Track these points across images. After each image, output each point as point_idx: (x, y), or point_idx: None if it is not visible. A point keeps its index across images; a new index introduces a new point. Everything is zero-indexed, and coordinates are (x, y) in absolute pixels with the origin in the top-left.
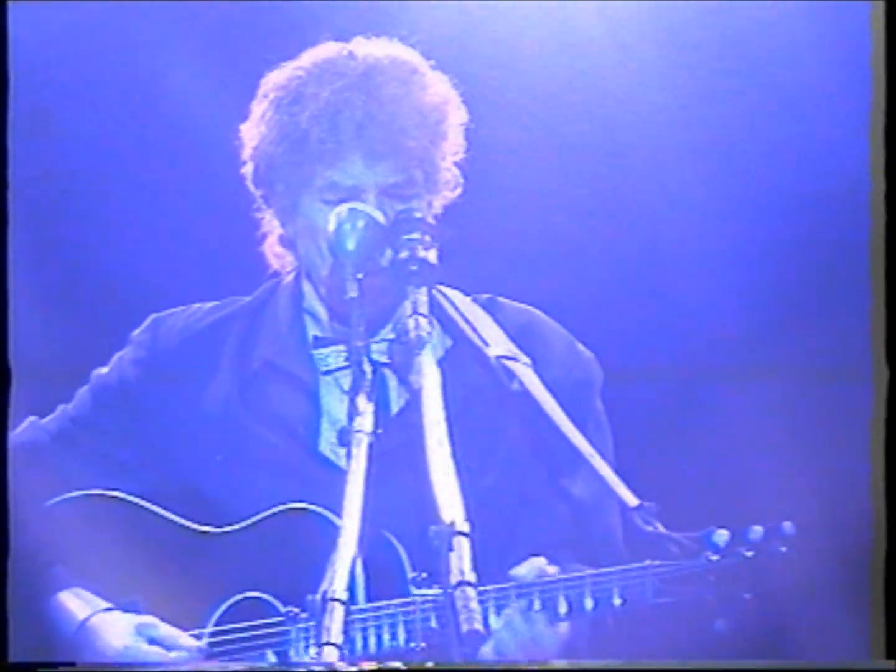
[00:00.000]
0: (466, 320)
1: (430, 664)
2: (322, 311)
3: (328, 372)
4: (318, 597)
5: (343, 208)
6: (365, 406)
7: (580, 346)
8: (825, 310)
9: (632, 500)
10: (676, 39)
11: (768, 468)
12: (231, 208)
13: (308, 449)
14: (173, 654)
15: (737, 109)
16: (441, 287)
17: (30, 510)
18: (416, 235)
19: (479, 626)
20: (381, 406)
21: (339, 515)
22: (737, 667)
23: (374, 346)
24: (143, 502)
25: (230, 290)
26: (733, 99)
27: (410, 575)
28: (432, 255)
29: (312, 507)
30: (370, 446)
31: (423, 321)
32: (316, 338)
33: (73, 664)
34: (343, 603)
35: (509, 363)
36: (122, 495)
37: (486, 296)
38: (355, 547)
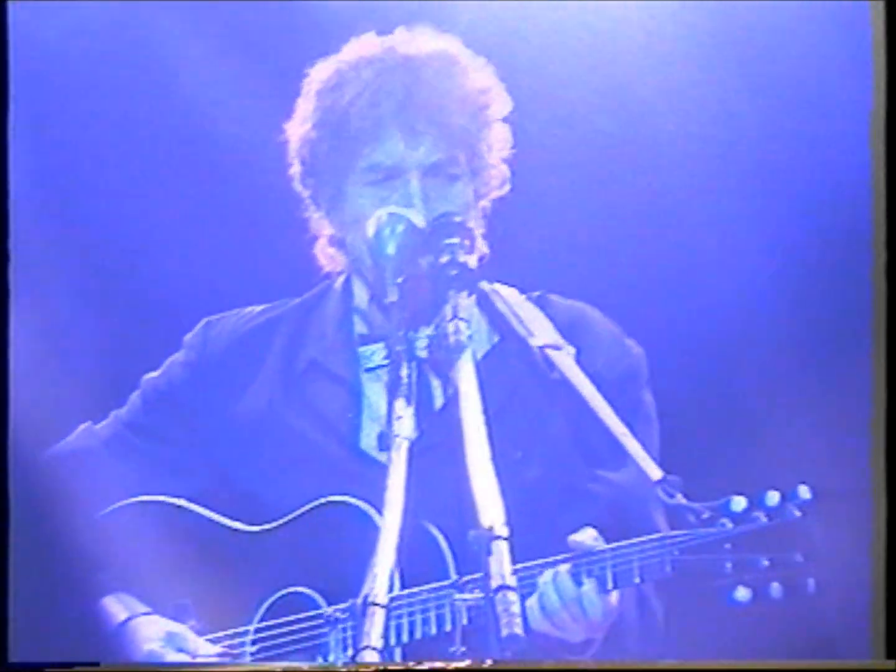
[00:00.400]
0: (516, 315)
1: (429, 664)
2: (370, 308)
3: (371, 369)
4: (360, 601)
5: (383, 212)
6: (404, 410)
7: (629, 341)
8: (826, 309)
9: (656, 473)
10: (676, 39)
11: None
12: (281, 211)
13: (349, 446)
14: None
15: (736, 109)
16: (495, 285)
17: (80, 517)
18: (455, 240)
19: (518, 629)
20: (423, 402)
21: (379, 510)
22: (737, 667)
23: (417, 343)
24: (191, 505)
25: (284, 292)
26: (733, 99)
27: (452, 578)
28: (472, 260)
29: (352, 500)
30: (409, 450)
31: (462, 325)
32: (361, 335)
33: (73, 664)
34: (384, 607)
35: (551, 352)
36: (171, 500)
37: (537, 293)
38: (395, 551)
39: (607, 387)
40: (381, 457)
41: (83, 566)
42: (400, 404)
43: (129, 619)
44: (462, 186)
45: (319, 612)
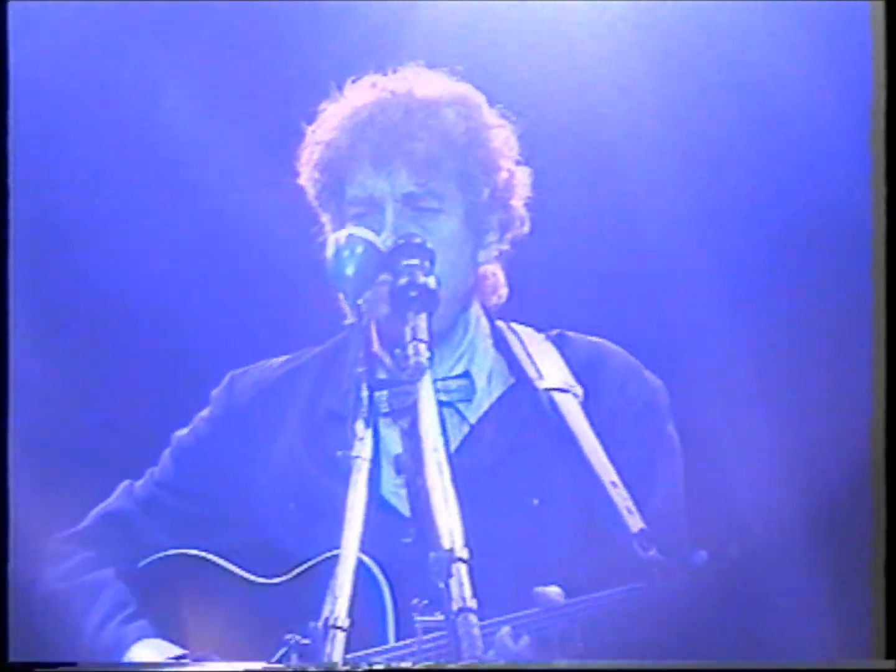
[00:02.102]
0: (529, 356)
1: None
2: (384, 354)
3: (387, 414)
4: (321, 624)
5: (342, 234)
6: (363, 431)
7: (647, 374)
8: (826, 309)
9: (636, 525)
10: (675, 39)
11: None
12: (306, 258)
13: (370, 495)
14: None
15: (736, 110)
16: (513, 324)
17: (111, 572)
18: (415, 261)
19: (479, 652)
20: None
21: (387, 562)
22: (737, 667)
23: (438, 385)
24: (216, 559)
25: (311, 341)
26: (732, 99)
27: (413, 601)
28: (432, 281)
29: (363, 556)
30: (370, 471)
31: (422, 347)
32: (380, 380)
33: (73, 664)
34: (345, 630)
35: (556, 395)
36: (199, 553)
37: (555, 331)
38: (354, 573)
39: (627, 421)
40: (401, 505)
41: (118, 616)
42: (359, 426)
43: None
44: (446, 219)
45: None
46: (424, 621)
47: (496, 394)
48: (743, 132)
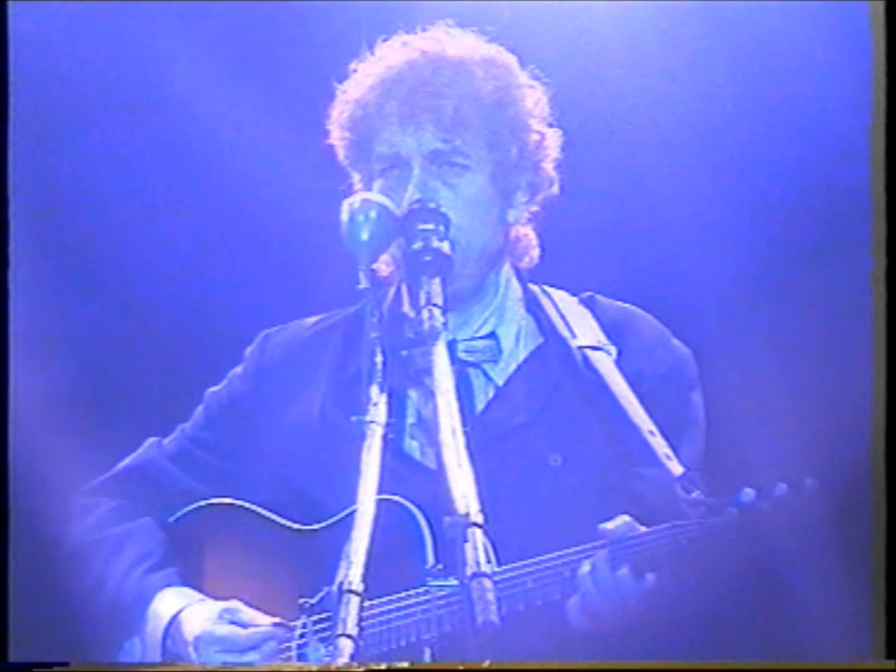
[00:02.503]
0: (563, 317)
1: (429, 664)
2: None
3: (408, 375)
4: (335, 588)
5: (356, 198)
6: (378, 396)
7: (676, 342)
8: (826, 310)
9: (677, 469)
10: (675, 39)
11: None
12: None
13: (393, 450)
14: (247, 632)
15: (736, 110)
16: (547, 287)
17: (140, 524)
18: (430, 226)
19: (494, 617)
20: (466, 404)
21: (424, 511)
22: (737, 667)
23: (461, 346)
24: (252, 507)
25: (343, 302)
26: (732, 99)
27: (428, 565)
28: (446, 246)
29: (395, 498)
30: (384, 436)
31: (436, 311)
32: (409, 339)
33: (74, 664)
34: (359, 594)
35: (590, 353)
36: (232, 502)
37: (587, 294)
38: (369, 537)
39: (651, 387)
40: (427, 460)
41: (147, 562)
42: (374, 390)
43: (185, 607)
44: (473, 177)
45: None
46: (439, 585)
47: (524, 354)
48: (741, 132)
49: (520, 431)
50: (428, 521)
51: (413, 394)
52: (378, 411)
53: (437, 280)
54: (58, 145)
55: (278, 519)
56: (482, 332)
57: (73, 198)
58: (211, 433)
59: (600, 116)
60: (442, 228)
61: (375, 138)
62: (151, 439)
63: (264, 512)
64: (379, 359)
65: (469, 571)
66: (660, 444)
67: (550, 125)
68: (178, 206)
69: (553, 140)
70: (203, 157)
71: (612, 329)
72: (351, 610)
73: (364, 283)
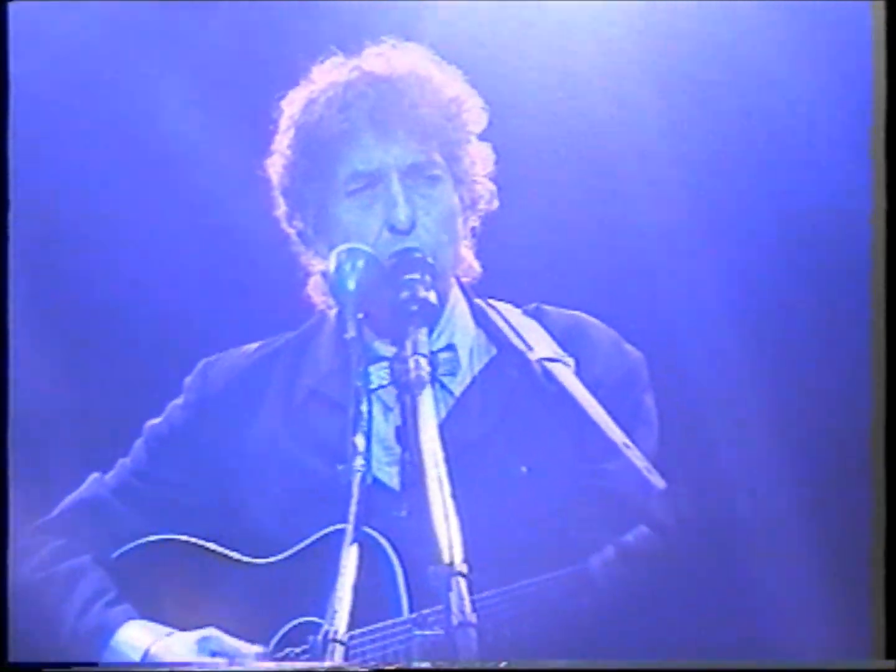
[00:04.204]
0: (513, 328)
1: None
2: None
3: (373, 390)
4: (320, 637)
5: (343, 248)
6: (363, 445)
7: (627, 346)
8: (825, 311)
9: (660, 483)
10: (670, 39)
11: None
12: (273, 248)
13: (375, 493)
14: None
15: (735, 110)
16: (491, 300)
17: (87, 559)
18: (416, 275)
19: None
20: (386, 437)
21: (388, 537)
22: (737, 667)
23: (377, 379)
24: (201, 542)
25: (280, 328)
26: (731, 99)
27: (414, 614)
28: (432, 296)
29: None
30: (363, 484)
31: (423, 361)
32: (392, 388)
33: (73, 664)
34: (344, 644)
35: (550, 365)
36: (180, 538)
37: (533, 305)
38: (352, 588)
39: (607, 392)
40: (392, 481)
41: (98, 602)
42: (359, 440)
43: (154, 641)
44: (444, 188)
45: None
46: (424, 635)
47: (478, 367)
48: (741, 132)
49: (482, 443)
50: (402, 565)
51: (397, 440)
52: (363, 460)
53: (423, 330)
54: (58, 145)
55: (229, 553)
56: (440, 345)
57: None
58: (152, 465)
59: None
60: (428, 278)
61: (338, 159)
62: (94, 475)
63: (214, 546)
64: (365, 408)
65: (455, 621)
66: (637, 458)
67: (481, 138)
68: (122, 231)
69: (490, 153)
70: (153, 177)
71: (565, 337)
72: (336, 660)
73: (351, 333)
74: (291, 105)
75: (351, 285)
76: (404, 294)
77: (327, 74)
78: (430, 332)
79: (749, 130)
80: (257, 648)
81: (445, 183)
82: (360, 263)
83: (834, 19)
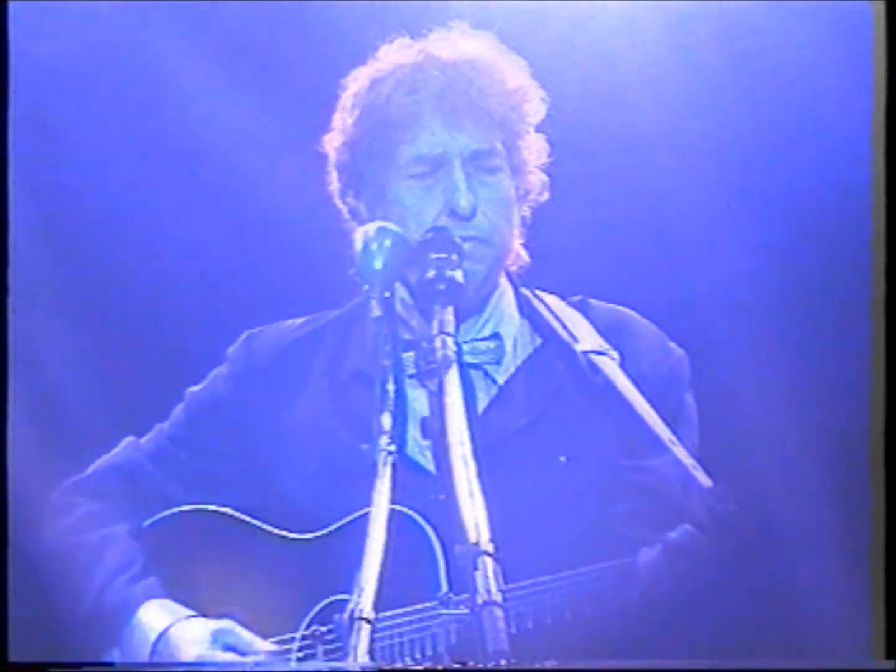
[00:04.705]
0: (558, 319)
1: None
2: (411, 314)
3: (413, 375)
4: (346, 615)
5: (371, 227)
6: (389, 424)
7: (671, 344)
8: (825, 311)
9: (706, 481)
10: (674, 40)
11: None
12: (323, 224)
13: (404, 472)
14: (248, 659)
15: (735, 110)
16: (537, 291)
17: (118, 529)
18: (443, 255)
19: (504, 645)
20: (469, 405)
21: (426, 517)
22: (737, 667)
23: (405, 358)
24: (237, 514)
25: (325, 305)
26: (731, 99)
27: (441, 592)
28: (459, 275)
29: (399, 508)
30: (393, 465)
31: (449, 340)
32: (405, 341)
33: (72, 665)
34: (370, 622)
35: (595, 357)
36: (216, 508)
37: (578, 297)
38: (380, 565)
39: (651, 389)
40: (429, 464)
41: (126, 573)
42: (386, 418)
43: (173, 623)
44: (503, 177)
45: None
46: (450, 614)
47: (522, 356)
48: (742, 130)
49: (524, 432)
50: (442, 545)
51: (424, 419)
52: (389, 439)
53: (449, 309)
54: (58, 145)
55: (266, 527)
56: (485, 333)
57: (74, 198)
58: (192, 433)
59: (594, 119)
60: (455, 257)
61: (403, 140)
62: (129, 438)
63: (250, 519)
64: (391, 387)
65: (480, 600)
66: (684, 454)
67: (538, 129)
68: (165, 205)
69: (545, 144)
70: (197, 157)
71: (610, 332)
72: (362, 638)
73: (377, 312)
74: (356, 83)
75: (378, 264)
76: (431, 273)
77: (394, 55)
78: (470, 315)
79: (748, 130)
80: (270, 646)
81: (504, 172)
82: (388, 242)
83: (834, 19)
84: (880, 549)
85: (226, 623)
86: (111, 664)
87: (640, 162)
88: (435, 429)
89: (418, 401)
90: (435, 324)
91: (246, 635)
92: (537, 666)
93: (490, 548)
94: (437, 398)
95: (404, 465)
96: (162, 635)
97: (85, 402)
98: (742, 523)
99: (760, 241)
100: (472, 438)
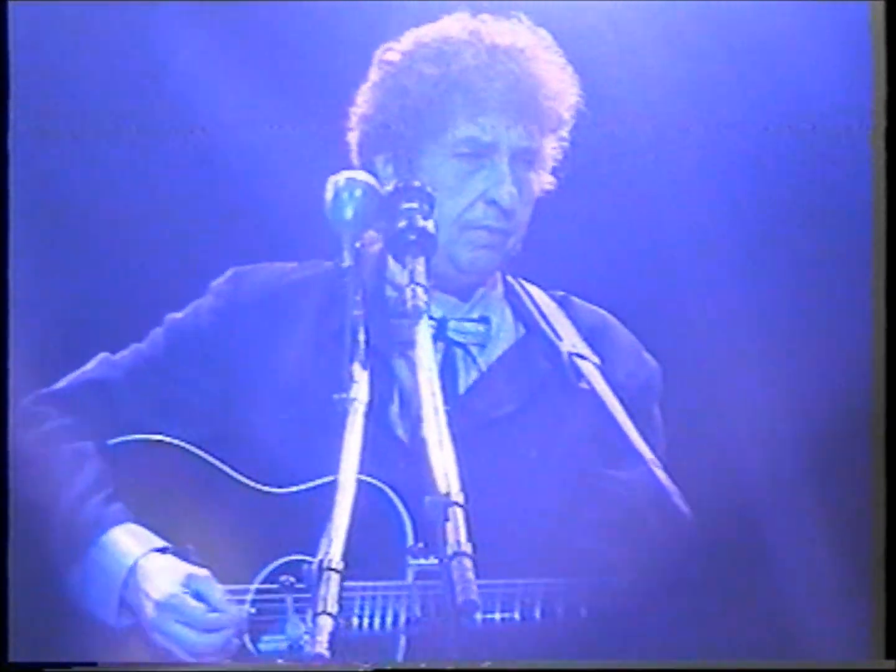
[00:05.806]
0: (542, 313)
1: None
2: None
3: (399, 351)
4: (315, 566)
5: (341, 177)
6: (360, 374)
7: (647, 355)
8: (826, 312)
9: (681, 505)
10: (673, 39)
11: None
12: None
13: (375, 419)
14: (212, 616)
15: (734, 110)
16: (521, 280)
17: (91, 445)
18: (414, 204)
19: (474, 596)
20: (449, 383)
21: (396, 489)
22: (737, 667)
23: (451, 324)
24: (204, 454)
25: (314, 254)
26: (730, 100)
27: (409, 544)
28: (430, 225)
29: (374, 481)
30: (365, 414)
31: (419, 290)
32: (390, 317)
33: (73, 664)
34: (339, 572)
35: (579, 361)
36: (183, 444)
37: (560, 293)
38: (349, 515)
39: (626, 397)
40: (403, 435)
41: (96, 496)
42: (356, 368)
43: (147, 552)
44: (535, 175)
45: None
46: (419, 565)
47: (505, 345)
48: (741, 130)
49: (503, 422)
50: (405, 502)
51: (395, 371)
52: (360, 389)
53: (420, 259)
54: (58, 145)
55: (234, 473)
56: (474, 315)
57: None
58: (169, 359)
59: (594, 119)
60: (426, 207)
61: (458, 116)
62: (102, 355)
63: (220, 464)
64: (362, 336)
65: (450, 551)
66: (645, 450)
67: None
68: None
69: (566, 146)
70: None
71: (591, 335)
72: (331, 587)
73: (348, 261)
74: (413, 43)
75: (348, 214)
76: (402, 223)
77: (456, 24)
78: (463, 295)
79: (748, 130)
80: (237, 607)
81: (536, 172)
82: (358, 192)
83: (833, 19)
84: (880, 549)
85: (203, 571)
86: (109, 664)
87: (638, 162)
88: (408, 387)
89: (401, 369)
90: (406, 273)
91: (219, 591)
92: (538, 666)
93: (460, 498)
94: (408, 348)
95: (381, 436)
96: (135, 565)
97: (58, 315)
98: (741, 524)
99: (760, 242)
100: (443, 389)
